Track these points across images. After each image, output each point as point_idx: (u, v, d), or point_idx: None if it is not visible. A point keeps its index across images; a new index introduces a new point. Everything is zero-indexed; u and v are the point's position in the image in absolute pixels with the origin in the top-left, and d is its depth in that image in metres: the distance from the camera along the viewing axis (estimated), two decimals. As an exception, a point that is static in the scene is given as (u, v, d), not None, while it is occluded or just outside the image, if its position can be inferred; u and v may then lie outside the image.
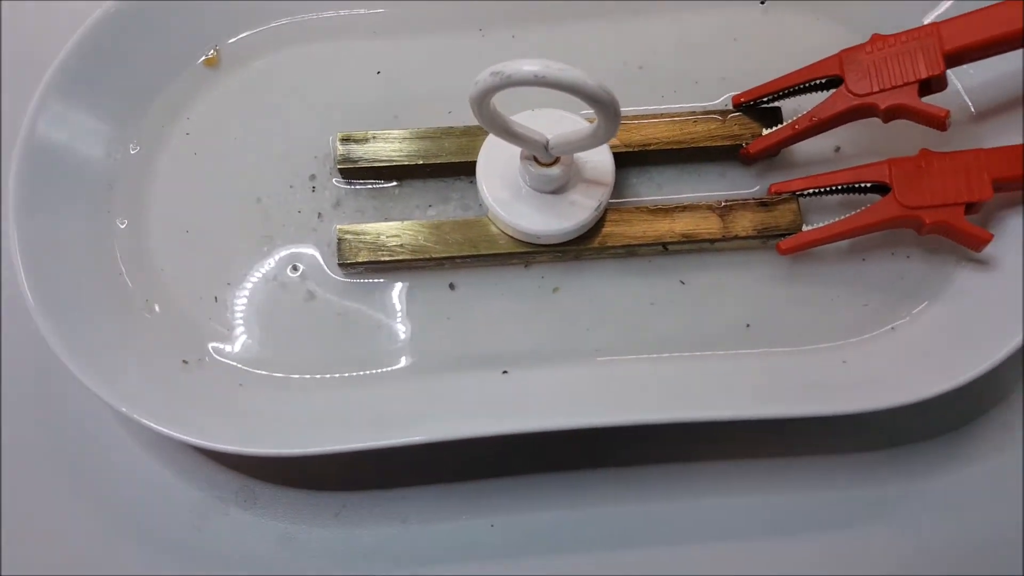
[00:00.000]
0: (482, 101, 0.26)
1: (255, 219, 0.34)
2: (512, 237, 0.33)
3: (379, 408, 0.31)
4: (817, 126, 0.32)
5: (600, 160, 0.32)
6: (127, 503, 0.32)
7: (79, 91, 0.33)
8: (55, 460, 0.33)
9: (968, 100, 0.35)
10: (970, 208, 0.31)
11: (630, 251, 0.33)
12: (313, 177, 0.35)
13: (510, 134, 0.29)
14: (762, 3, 0.36)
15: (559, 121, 0.32)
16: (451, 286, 0.34)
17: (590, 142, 0.28)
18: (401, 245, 0.33)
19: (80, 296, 0.31)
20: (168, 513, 0.32)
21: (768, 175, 0.35)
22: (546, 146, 0.30)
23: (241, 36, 0.36)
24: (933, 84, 0.30)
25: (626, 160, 0.34)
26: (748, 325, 0.33)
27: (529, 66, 0.24)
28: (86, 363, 0.29)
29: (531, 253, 0.33)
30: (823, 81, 0.32)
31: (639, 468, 0.32)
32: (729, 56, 0.36)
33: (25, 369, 0.34)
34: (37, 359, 0.34)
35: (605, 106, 0.25)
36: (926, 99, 0.31)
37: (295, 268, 0.34)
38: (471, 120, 0.34)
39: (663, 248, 0.33)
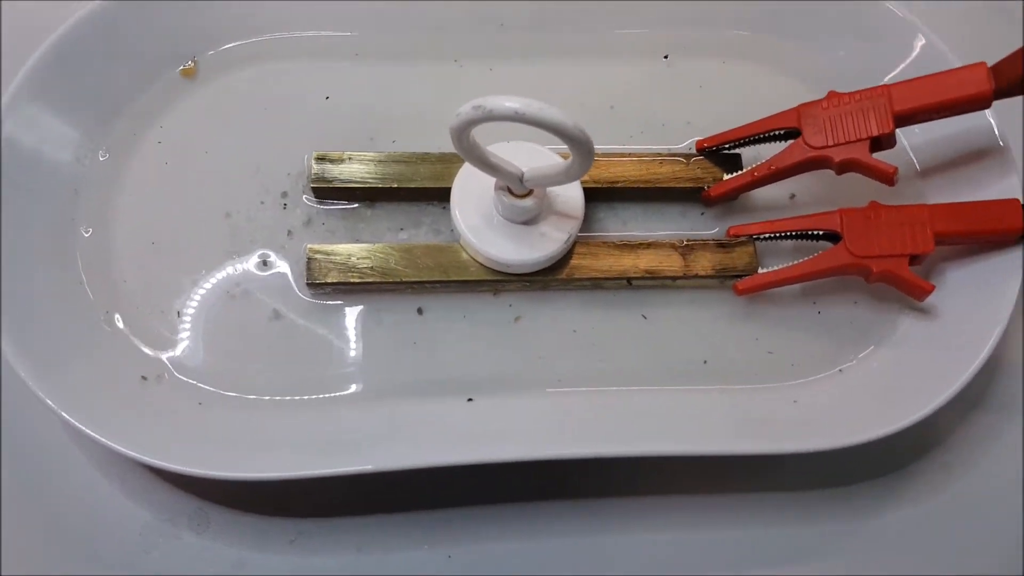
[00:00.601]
0: (462, 132, 0.27)
1: (223, 234, 0.34)
2: (482, 265, 0.33)
3: (341, 433, 0.31)
4: (774, 174, 0.34)
5: (571, 194, 0.33)
6: (74, 523, 0.31)
7: (51, 94, 0.33)
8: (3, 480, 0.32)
9: (914, 157, 0.37)
10: (914, 260, 0.33)
11: (596, 284, 0.34)
12: (285, 194, 0.35)
13: (487, 165, 0.30)
14: (665, 57, 0.38)
15: (532, 154, 0.33)
16: (419, 311, 0.34)
17: (564, 177, 0.29)
18: (371, 267, 0.33)
19: (38, 302, 0.31)
20: (117, 535, 0.31)
21: (727, 218, 0.37)
22: (521, 178, 0.31)
23: (221, 48, 0.36)
24: (883, 141, 0.32)
25: (594, 195, 0.36)
26: (705, 361, 0.34)
27: (510, 103, 0.25)
28: (38, 371, 0.29)
29: (500, 281, 0.34)
30: (781, 132, 0.34)
31: (596, 500, 0.33)
32: (694, 102, 0.38)
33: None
34: None
35: (580, 145, 0.26)
36: (876, 155, 0.33)
37: (262, 286, 0.33)
38: (446, 147, 0.35)
39: (627, 283, 0.34)
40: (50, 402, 0.28)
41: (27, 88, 0.32)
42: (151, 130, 0.35)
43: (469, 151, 0.29)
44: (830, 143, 0.32)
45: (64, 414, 0.28)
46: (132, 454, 0.28)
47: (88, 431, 0.28)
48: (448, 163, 0.35)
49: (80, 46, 0.33)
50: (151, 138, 0.35)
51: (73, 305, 0.32)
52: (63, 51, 0.33)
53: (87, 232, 0.33)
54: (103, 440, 0.28)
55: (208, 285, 0.33)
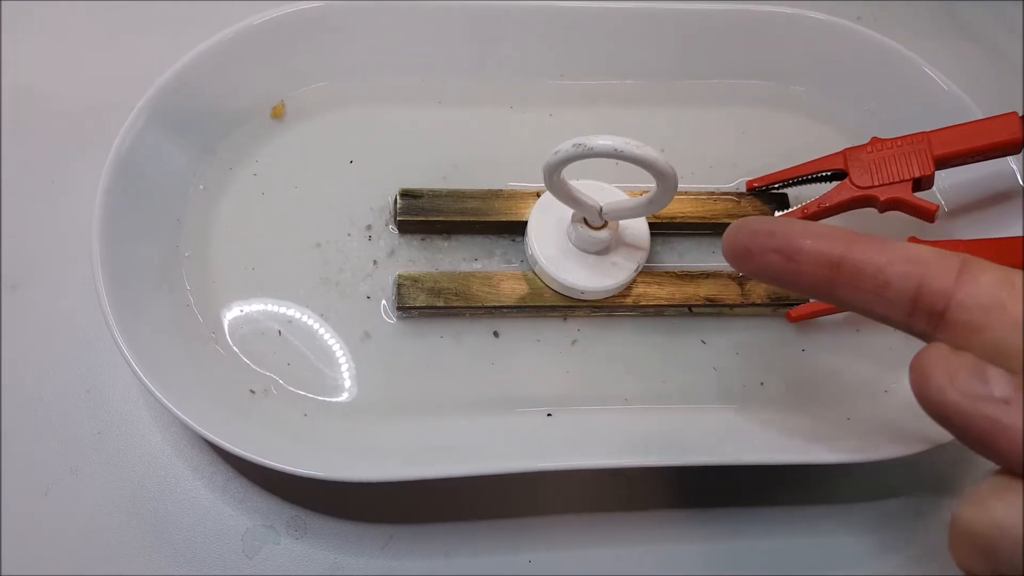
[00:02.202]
0: (557, 168, 0.31)
1: (315, 262, 0.37)
2: (555, 292, 0.37)
3: (430, 442, 0.34)
4: (823, 212, 0.38)
5: (638, 228, 0.37)
6: (180, 529, 0.34)
7: (162, 124, 0.36)
8: (108, 483, 0.35)
9: (940, 198, 0.41)
10: (917, 184, 0.37)
11: (659, 311, 0.38)
12: (369, 227, 0.39)
13: (571, 198, 0.34)
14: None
15: (600, 191, 0.37)
16: (495, 333, 0.37)
17: (643, 211, 0.33)
18: (455, 294, 0.36)
19: (154, 323, 0.34)
20: (221, 540, 0.34)
21: (774, 251, 0.40)
22: (600, 212, 0.34)
23: (307, 91, 0.40)
24: (923, 182, 0.36)
25: (654, 229, 0.39)
26: (762, 383, 0.37)
27: (609, 141, 0.29)
28: (163, 386, 0.31)
29: (570, 307, 0.37)
30: (828, 174, 0.38)
31: (668, 511, 0.36)
32: (738, 146, 0.43)
33: (82, 393, 0.36)
34: (98, 384, 0.36)
35: (668, 180, 0.30)
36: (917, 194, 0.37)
37: (352, 310, 0.37)
38: (514, 184, 0.39)
39: (688, 310, 0.38)
40: (175, 409, 0.31)
41: (146, 114, 0.35)
42: (244, 167, 0.39)
43: (558, 186, 0.33)
44: (876, 183, 0.36)
45: (187, 419, 0.31)
46: (245, 454, 0.31)
47: (207, 433, 0.31)
48: (518, 199, 0.39)
49: (187, 85, 0.37)
50: (244, 174, 0.39)
51: (185, 325, 0.35)
52: (175, 88, 0.36)
53: (190, 258, 0.36)
54: (220, 442, 0.31)
55: (304, 308, 0.36)
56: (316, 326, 0.36)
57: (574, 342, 0.37)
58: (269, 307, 0.36)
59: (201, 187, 0.38)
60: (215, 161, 0.38)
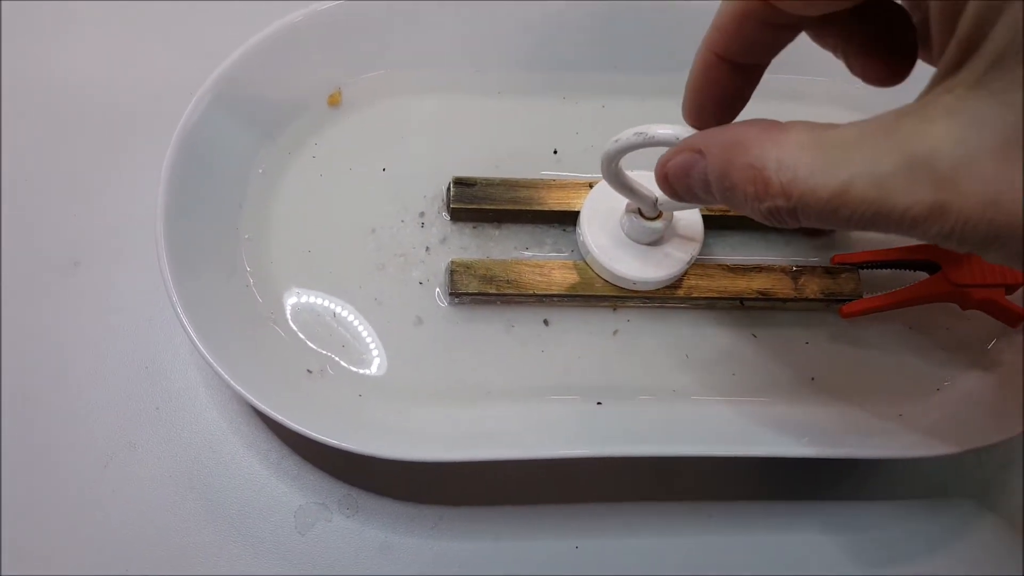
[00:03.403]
0: (616, 156, 0.32)
1: (370, 247, 0.38)
2: (607, 282, 0.38)
3: (480, 427, 0.35)
4: (910, 301, 0.37)
5: (692, 219, 0.38)
6: (235, 505, 0.35)
7: (227, 105, 0.37)
8: (165, 457, 0.36)
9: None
10: (1009, 289, 0.37)
11: (710, 303, 0.38)
12: (422, 214, 0.39)
13: (627, 188, 0.34)
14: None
15: (652, 181, 0.38)
16: (545, 322, 0.38)
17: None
18: (508, 281, 0.37)
19: (215, 302, 0.35)
20: (275, 516, 0.35)
21: (828, 248, 0.41)
22: (655, 202, 0.35)
23: (363, 80, 0.41)
24: (1016, 287, 0.36)
25: (707, 222, 0.40)
26: (813, 378, 0.38)
27: (671, 130, 0.30)
28: (225, 362, 0.33)
29: (621, 297, 0.38)
30: (920, 262, 0.38)
31: (715, 503, 0.37)
32: None
33: (139, 370, 0.37)
34: (157, 361, 0.37)
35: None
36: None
37: (405, 294, 0.38)
38: (564, 174, 0.40)
39: (740, 303, 0.38)
40: (236, 385, 0.32)
41: (209, 97, 0.36)
42: (301, 153, 0.40)
43: (615, 175, 0.33)
44: (971, 282, 0.36)
45: (245, 392, 0.32)
46: (301, 429, 0.32)
47: (265, 408, 0.32)
48: (570, 189, 0.39)
49: (248, 72, 0.38)
50: (301, 160, 0.40)
51: (245, 306, 0.36)
52: (237, 73, 0.38)
53: (249, 240, 0.38)
54: (278, 416, 0.32)
55: (359, 291, 0.37)
56: (370, 309, 0.37)
57: (622, 333, 0.38)
58: (325, 290, 0.37)
59: (261, 171, 0.39)
60: (274, 146, 0.40)
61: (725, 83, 0.28)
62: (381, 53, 0.41)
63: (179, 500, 0.35)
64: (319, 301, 0.37)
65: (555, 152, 0.41)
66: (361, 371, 0.36)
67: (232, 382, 0.32)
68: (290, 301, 0.37)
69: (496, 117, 0.42)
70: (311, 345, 0.36)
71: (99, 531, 0.34)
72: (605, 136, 0.41)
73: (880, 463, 0.37)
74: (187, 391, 0.37)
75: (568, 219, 0.40)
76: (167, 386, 0.37)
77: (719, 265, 0.39)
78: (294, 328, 0.36)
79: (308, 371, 0.35)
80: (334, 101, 0.41)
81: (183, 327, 0.33)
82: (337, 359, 0.36)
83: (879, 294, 0.38)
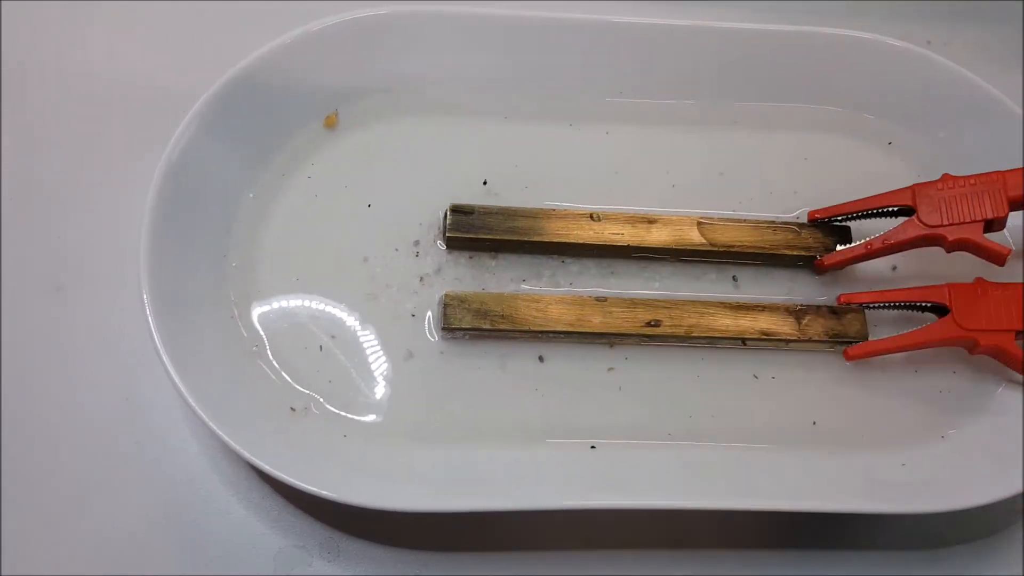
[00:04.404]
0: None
1: (362, 277, 0.37)
2: (602, 319, 0.37)
3: (470, 471, 0.34)
4: (888, 248, 0.37)
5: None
6: (213, 546, 0.34)
7: (214, 131, 0.36)
8: (144, 493, 0.35)
9: (1010, 239, 0.40)
10: (1020, 335, 0.36)
11: (710, 342, 0.37)
12: (417, 243, 0.38)
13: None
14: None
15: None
16: (540, 358, 0.37)
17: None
18: (502, 316, 0.36)
19: (198, 335, 0.34)
20: (253, 559, 0.34)
21: (833, 286, 0.40)
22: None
23: (360, 102, 0.40)
24: (995, 224, 0.35)
25: (708, 257, 0.39)
26: (815, 423, 0.37)
27: None
28: (202, 400, 0.32)
29: (618, 335, 0.37)
30: (895, 209, 0.37)
31: (709, 551, 0.36)
32: (800, 173, 0.42)
33: (120, 402, 0.36)
34: (137, 391, 0.36)
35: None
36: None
37: (396, 327, 0.37)
38: (565, 204, 0.39)
39: (742, 343, 0.37)
40: (212, 424, 0.31)
41: (197, 122, 0.36)
42: (295, 177, 0.39)
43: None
44: (945, 222, 0.36)
45: (223, 434, 0.31)
46: (280, 475, 0.31)
47: (241, 450, 0.31)
48: (569, 220, 0.38)
49: (240, 93, 0.37)
50: (294, 184, 0.39)
51: (227, 338, 0.35)
52: (228, 95, 0.37)
53: (237, 268, 0.37)
54: (254, 460, 0.31)
55: (348, 324, 0.37)
56: (359, 343, 0.36)
57: (618, 371, 0.37)
58: (313, 321, 0.36)
59: (251, 196, 0.38)
60: (267, 170, 0.39)
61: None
62: (380, 74, 0.40)
63: (156, 538, 0.34)
64: (306, 334, 0.36)
65: (557, 181, 0.40)
66: (347, 410, 0.35)
67: (209, 422, 0.31)
68: (275, 334, 0.36)
69: (498, 143, 0.41)
70: (295, 384, 0.35)
71: (72, 570, 0.33)
72: (608, 164, 0.41)
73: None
74: (168, 425, 0.36)
75: (568, 250, 0.39)
76: (148, 420, 0.36)
77: (721, 303, 0.38)
78: (278, 363, 0.35)
79: (292, 409, 0.34)
80: (330, 123, 0.40)
81: (161, 361, 0.32)
82: (321, 397, 0.35)
83: (885, 337, 0.37)
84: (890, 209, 0.38)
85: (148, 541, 0.34)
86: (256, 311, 0.36)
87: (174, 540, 0.34)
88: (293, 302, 0.37)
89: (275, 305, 0.37)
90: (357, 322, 0.37)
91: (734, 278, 0.39)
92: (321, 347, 0.36)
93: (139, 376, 0.36)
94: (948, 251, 0.37)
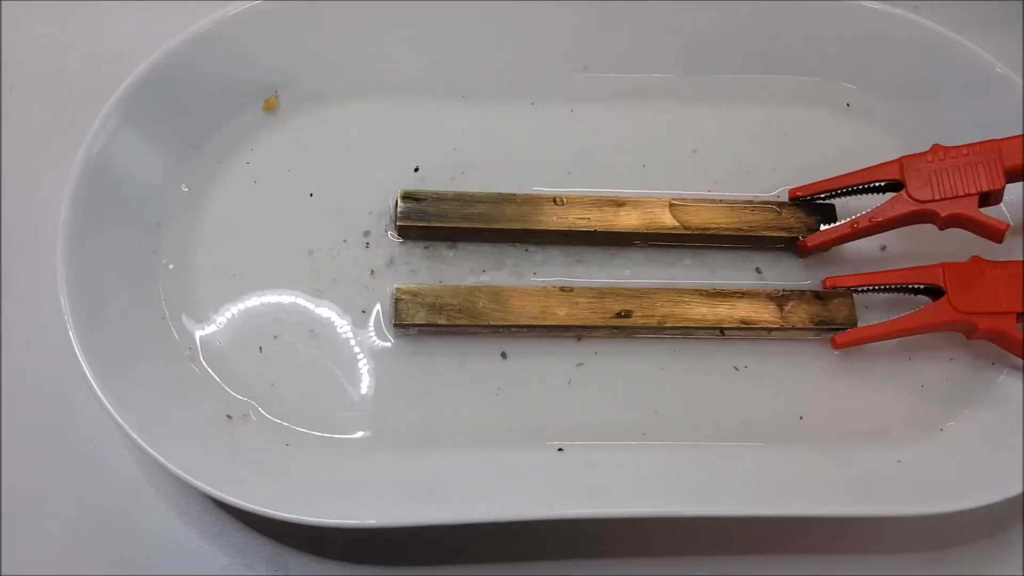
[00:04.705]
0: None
1: (306, 271, 0.35)
2: (568, 311, 0.34)
3: (427, 480, 0.32)
4: (876, 226, 0.34)
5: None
6: (150, 564, 0.32)
7: (139, 119, 0.34)
8: (74, 510, 0.32)
9: (1007, 214, 0.38)
10: (1021, 317, 0.33)
11: (686, 332, 0.35)
12: (367, 233, 0.36)
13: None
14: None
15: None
16: (503, 355, 0.34)
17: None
18: (459, 310, 0.33)
19: (123, 338, 0.31)
20: (192, 578, 0.31)
21: (817, 269, 0.37)
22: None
23: (302, 84, 0.37)
24: (991, 197, 0.33)
25: (682, 241, 0.36)
26: (801, 417, 0.34)
27: None
28: (127, 411, 0.29)
29: (587, 328, 0.34)
30: (882, 184, 0.35)
31: (691, 558, 0.33)
32: (780, 149, 0.39)
33: (48, 409, 0.34)
34: (65, 399, 0.34)
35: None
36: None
37: (345, 325, 0.34)
38: (526, 188, 0.36)
39: (720, 333, 0.34)
40: (136, 436, 0.28)
41: (119, 110, 0.33)
42: (232, 165, 0.36)
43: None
44: (936, 197, 0.33)
45: (150, 448, 0.28)
46: (215, 493, 0.29)
47: (171, 466, 0.28)
48: (533, 204, 0.36)
49: (168, 77, 0.34)
50: (232, 173, 0.36)
51: (158, 341, 0.32)
52: (155, 78, 0.34)
53: (169, 265, 0.34)
54: (186, 476, 0.28)
55: (291, 323, 0.34)
56: (304, 344, 0.34)
57: (587, 366, 0.34)
58: (253, 322, 0.34)
59: (184, 188, 0.35)
60: (201, 159, 0.36)
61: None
62: (323, 52, 0.38)
63: (87, 561, 0.32)
64: (244, 336, 0.33)
65: (518, 163, 0.37)
66: (289, 418, 0.32)
67: (133, 433, 0.28)
68: (210, 336, 0.33)
69: (452, 124, 0.38)
70: (229, 389, 0.32)
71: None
72: (573, 144, 0.38)
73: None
74: (99, 435, 0.33)
75: (531, 238, 0.36)
76: (77, 430, 0.33)
77: (696, 290, 0.35)
78: (213, 368, 0.33)
79: (228, 417, 0.32)
80: (270, 107, 0.37)
81: (81, 369, 0.29)
82: (261, 404, 0.32)
83: (876, 323, 0.34)
84: (877, 184, 0.35)
85: (79, 563, 0.32)
86: (189, 312, 0.33)
87: (107, 561, 0.32)
88: (230, 300, 0.34)
89: (211, 305, 0.34)
90: (301, 321, 0.34)
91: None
92: (261, 349, 0.33)
93: (67, 383, 0.34)
94: (941, 228, 0.34)
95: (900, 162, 0.34)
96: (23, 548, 0.32)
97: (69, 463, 0.33)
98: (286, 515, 0.29)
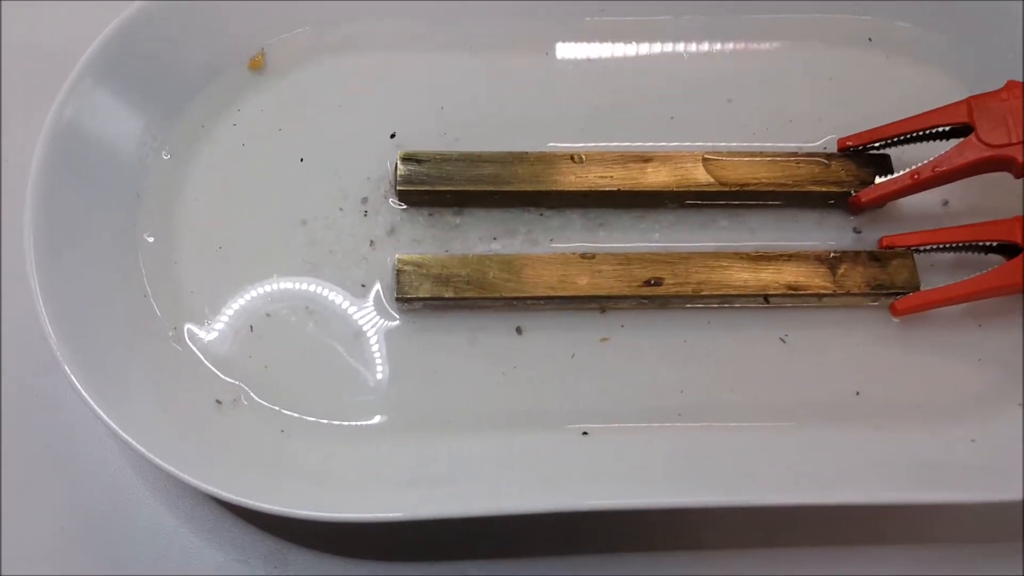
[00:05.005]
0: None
1: (298, 244, 0.32)
2: (590, 280, 0.30)
3: (435, 468, 0.29)
4: (940, 177, 0.31)
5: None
6: (139, 562, 0.30)
7: (114, 81, 0.31)
8: (57, 504, 0.30)
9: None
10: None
11: (725, 301, 0.31)
12: (365, 200, 0.33)
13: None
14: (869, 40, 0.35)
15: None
16: (518, 330, 0.31)
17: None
18: (467, 281, 0.30)
19: (101, 316, 0.29)
20: (184, 577, 0.29)
21: (871, 228, 0.33)
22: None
23: (290, 38, 0.34)
24: (1078, 137, 0.29)
25: (718, 199, 0.33)
26: (858, 393, 0.31)
27: None
28: (101, 391, 0.27)
29: (612, 297, 0.31)
30: (946, 129, 0.31)
31: (729, 552, 0.30)
32: (825, 95, 0.36)
33: (30, 398, 0.32)
34: (45, 387, 0.31)
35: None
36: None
37: (343, 301, 0.31)
38: (540, 146, 0.33)
39: (764, 300, 0.31)
40: (115, 426, 0.26)
41: (91, 73, 0.30)
42: (217, 129, 0.33)
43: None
44: (1014, 140, 0.29)
45: (133, 441, 0.26)
46: (205, 487, 0.26)
47: (157, 460, 0.26)
48: (548, 163, 0.33)
49: (145, 33, 0.32)
50: (217, 138, 0.33)
51: (139, 321, 0.30)
52: (129, 37, 0.31)
53: (150, 239, 0.31)
54: (173, 470, 0.26)
55: (285, 299, 0.31)
56: (298, 322, 0.31)
57: (613, 342, 0.31)
58: (242, 298, 0.31)
59: (165, 155, 0.33)
60: (183, 124, 0.33)
61: None
62: (311, 4, 0.34)
63: (72, 557, 0.30)
64: (234, 314, 0.31)
65: (529, 119, 0.34)
66: (283, 402, 0.30)
67: (112, 423, 0.26)
68: (196, 314, 0.31)
69: (459, 78, 0.35)
70: (218, 372, 0.30)
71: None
72: (592, 96, 0.34)
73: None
74: (83, 423, 0.31)
75: (546, 200, 0.33)
76: (59, 417, 0.31)
77: (736, 254, 0.31)
78: (200, 349, 0.30)
79: (217, 402, 0.29)
80: (256, 65, 0.34)
81: (54, 354, 0.26)
82: (252, 388, 0.30)
83: (940, 286, 0.31)
84: (940, 129, 0.31)
85: (65, 560, 0.30)
86: (173, 288, 0.31)
87: (94, 559, 0.30)
88: (218, 276, 0.31)
89: (197, 280, 0.31)
90: (295, 297, 0.31)
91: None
92: (252, 328, 0.31)
93: (48, 367, 0.31)
94: (1018, 176, 0.30)
95: (968, 102, 0.31)
96: (4, 545, 0.30)
97: (49, 452, 0.31)
98: (282, 509, 0.26)
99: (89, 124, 0.30)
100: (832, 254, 0.31)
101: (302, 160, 0.33)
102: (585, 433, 0.29)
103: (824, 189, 0.32)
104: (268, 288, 0.31)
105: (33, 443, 0.31)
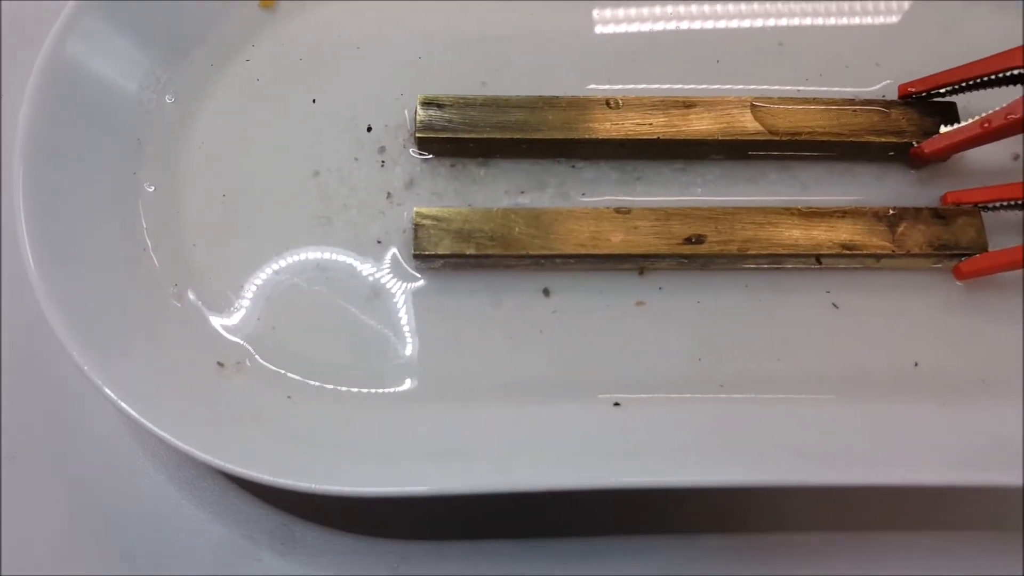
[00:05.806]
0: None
1: (311, 196, 0.30)
2: (625, 237, 0.28)
3: (454, 439, 0.27)
4: (1013, 126, 0.28)
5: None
6: (137, 538, 0.28)
7: (118, 16, 0.29)
8: (51, 475, 0.29)
9: None
10: None
11: (773, 261, 0.29)
12: (383, 150, 0.31)
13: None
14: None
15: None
16: (545, 291, 0.29)
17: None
18: (491, 237, 0.28)
19: (97, 274, 0.27)
20: (187, 554, 0.28)
21: (934, 183, 0.31)
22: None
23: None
24: None
25: (767, 149, 0.30)
26: (917, 364, 0.28)
27: None
28: (95, 354, 0.25)
29: (649, 256, 0.28)
30: (1019, 73, 0.28)
31: (768, 535, 0.28)
32: (884, 38, 0.33)
33: (22, 359, 0.30)
34: (37, 347, 0.30)
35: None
36: None
37: (358, 258, 0.29)
38: (573, 90, 0.30)
39: (816, 261, 0.29)
40: (110, 392, 0.25)
41: (88, 10, 0.28)
42: (224, 72, 0.31)
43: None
44: None
45: (127, 407, 0.24)
46: (206, 458, 0.24)
47: (154, 428, 0.24)
48: (581, 109, 0.30)
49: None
50: (224, 81, 0.31)
51: (137, 275, 0.28)
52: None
53: (151, 188, 0.29)
54: (172, 439, 0.24)
55: (295, 255, 0.29)
56: (309, 280, 0.29)
57: (650, 305, 0.29)
58: (249, 253, 0.29)
59: (169, 99, 0.31)
60: (188, 66, 0.31)
61: None
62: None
63: (67, 531, 0.28)
64: (238, 268, 0.29)
65: (560, 61, 0.31)
66: (291, 365, 0.28)
67: (107, 389, 0.24)
68: (199, 269, 0.29)
69: (481, 16, 0.33)
70: (224, 331, 0.28)
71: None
72: (629, 36, 0.32)
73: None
74: (77, 388, 0.29)
75: (578, 150, 0.30)
76: (51, 381, 0.30)
77: (786, 209, 0.29)
78: (204, 305, 0.28)
79: (219, 364, 0.27)
80: (267, 3, 0.32)
81: (43, 313, 0.25)
82: (258, 350, 0.28)
83: (1009, 247, 0.29)
84: (1012, 73, 0.29)
85: (58, 535, 0.28)
86: (175, 241, 0.29)
87: (90, 535, 0.28)
88: (224, 229, 0.29)
89: (200, 233, 0.29)
90: (306, 253, 0.29)
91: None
92: (259, 287, 0.29)
93: (36, 328, 0.29)
94: None
95: None
96: (5, 512, 0.28)
97: (42, 425, 0.29)
98: (289, 482, 0.24)
99: (88, 61, 0.29)
100: (891, 211, 0.29)
101: (314, 102, 0.31)
102: (617, 404, 0.27)
103: (883, 140, 0.30)
104: (277, 244, 0.29)
105: (24, 410, 0.29)
